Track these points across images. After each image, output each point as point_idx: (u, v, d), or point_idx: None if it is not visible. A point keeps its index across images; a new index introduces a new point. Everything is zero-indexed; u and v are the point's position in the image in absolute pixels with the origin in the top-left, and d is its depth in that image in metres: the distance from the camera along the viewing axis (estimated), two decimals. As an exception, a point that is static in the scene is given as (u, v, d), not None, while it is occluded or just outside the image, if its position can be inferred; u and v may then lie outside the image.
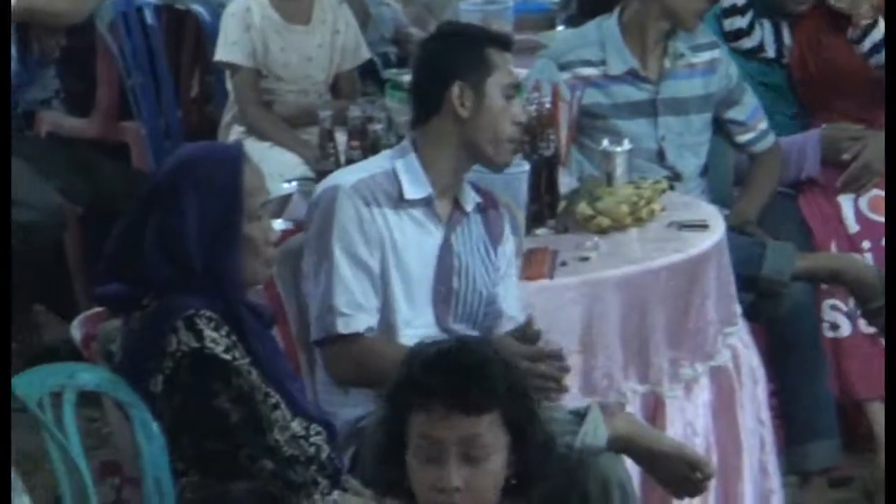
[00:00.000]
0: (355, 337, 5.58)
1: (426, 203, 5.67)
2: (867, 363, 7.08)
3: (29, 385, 5.07)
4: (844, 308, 6.99)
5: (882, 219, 7.14)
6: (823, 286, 6.98)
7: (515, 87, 5.74)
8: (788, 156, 7.27)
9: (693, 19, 6.84)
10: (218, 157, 5.31)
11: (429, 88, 5.69)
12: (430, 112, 5.67)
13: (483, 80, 5.63)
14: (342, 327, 5.57)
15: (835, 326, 7.09)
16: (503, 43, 5.79)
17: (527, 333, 5.65)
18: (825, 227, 7.20)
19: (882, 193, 7.19)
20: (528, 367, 5.36)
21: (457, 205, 5.74)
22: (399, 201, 5.64)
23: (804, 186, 7.34)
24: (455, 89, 5.60)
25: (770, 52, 7.40)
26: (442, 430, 4.00)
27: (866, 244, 7.17)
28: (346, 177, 5.75)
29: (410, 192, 5.65)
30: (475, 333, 5.65)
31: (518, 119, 5.71)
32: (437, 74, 5.66)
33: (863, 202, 7.25)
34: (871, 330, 6.98)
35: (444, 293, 5.71)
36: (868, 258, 7.08)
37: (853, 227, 7.22)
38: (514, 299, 5.83)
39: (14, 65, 7.57)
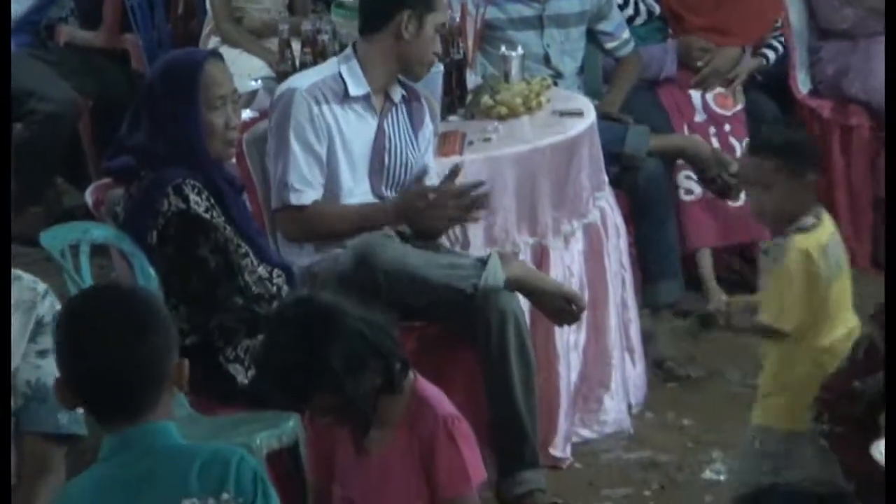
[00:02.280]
0: (304, 207, 5.56)
1: (365, 98, 5.64)
2: (701, 219, 7.11)
3: (53, 239, 5.13)
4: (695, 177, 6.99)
5: (724, 111, 7.24)
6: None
7: (443, 26, 5.72)
8: (652, 59, 7.24)
9: None
10: (185, 61, 5.36)
11: (381, 10, 5.63)
12: (377, 29, 5.62)
13: (425, 15, 5.60)
14: (294, 200, 5.55)
15: (689, 192, 7.09)
16: None
17: (453, 171, 5.62)
18: (679, 116, 7.21)
19: (723, 90, 7.30)
20: (427, 207, 5.50)
21: (388, 98, 5.70)
22: (344, 98, 5.61)
23: (664, 83, 7.31)
24: (403, 16, 5.55)
25: (640, 20, 7.33)
26: None
27: (712, 130, 7.14)
28: (301, 81, 5.71)
29: (353, 90, 5.62)
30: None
31: (437, 50, 5.73)
32: (391, 1, 5.60)
33: (709, 98, 7.27)
34: (710, 195, 6.97)
35: (377, 167, 5.67)
36: (713, 141, 7.08)
37: (701, 116, 7.22)
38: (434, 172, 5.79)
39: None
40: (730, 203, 7.00)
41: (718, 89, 7.25)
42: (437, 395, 4.02)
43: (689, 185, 7.06)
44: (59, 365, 3.35)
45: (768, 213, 4.86)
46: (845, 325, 4.78)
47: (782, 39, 7.48)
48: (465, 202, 5.53)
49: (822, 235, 4.87)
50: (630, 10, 7.30)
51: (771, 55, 7.47)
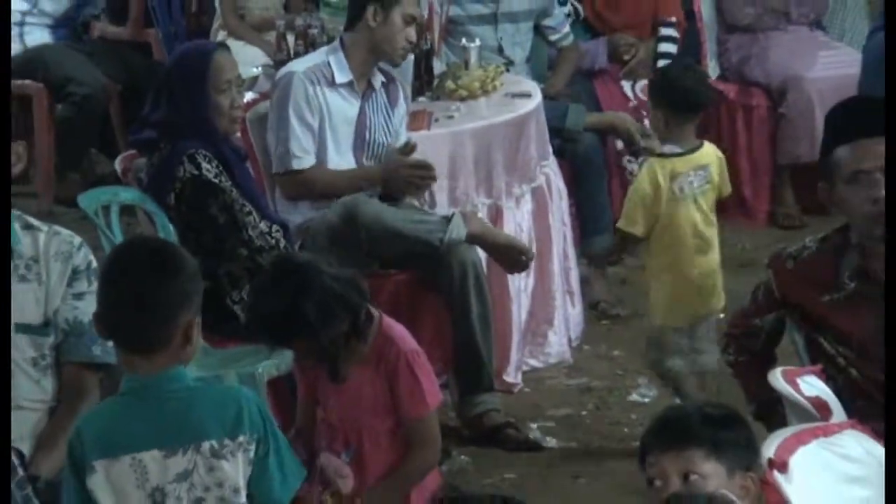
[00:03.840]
0: (302, 171, 5.54)
1: (349, 85, 5.61)
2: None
3: (88, 201, 5.11)
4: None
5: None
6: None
7: (413, 18, 5.64)
8: (587, 53, 7.19)
9: None
10: (198, 50, 5.36)
11: (355, 5, 5.62)
12: (354, 22, 5.61)
13: (391, 7, 5.56)
14: (295, 164, 5.54)
15: (632, 173, 6.93)
16: None
17: (407, 147, 5.61)
18: (612, 101, 7.16)
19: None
20: (407, 173, 5.52)
21: (369, 84, 5.67)
22: (332, 83, 5.58)
23: (599, 74, 7.27)
24: (370, 9, 5.52)
25: (570, 20, 7.30)
26: None
27: (644, 112, 7.03)
28: (298, 65, 5.68)
29: (339, 78, 5.59)
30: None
31: (411, 38, 5.64)
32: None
33: (637, 87, 7.21)
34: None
35: (359, 143, 5.64)
36: (646, 122, 6.91)
37: (633, 102, 7.18)
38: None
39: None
40: None
41: (643, 81, 7.20)
42: (401, 333, 4.01)
43: (632, 167, 6.94)
44: (97, 300, 3.35)
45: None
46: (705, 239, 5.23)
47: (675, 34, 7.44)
48: (423, 171, 5.55)
49: (680, 166, 5.17)
50: (568, 9, 7.27)
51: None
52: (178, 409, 3.23)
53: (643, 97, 7.11)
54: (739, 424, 3.14)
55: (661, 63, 7.15)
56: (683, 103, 5.21)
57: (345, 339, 3.92)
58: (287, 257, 4.24)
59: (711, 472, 3.00)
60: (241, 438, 3.23)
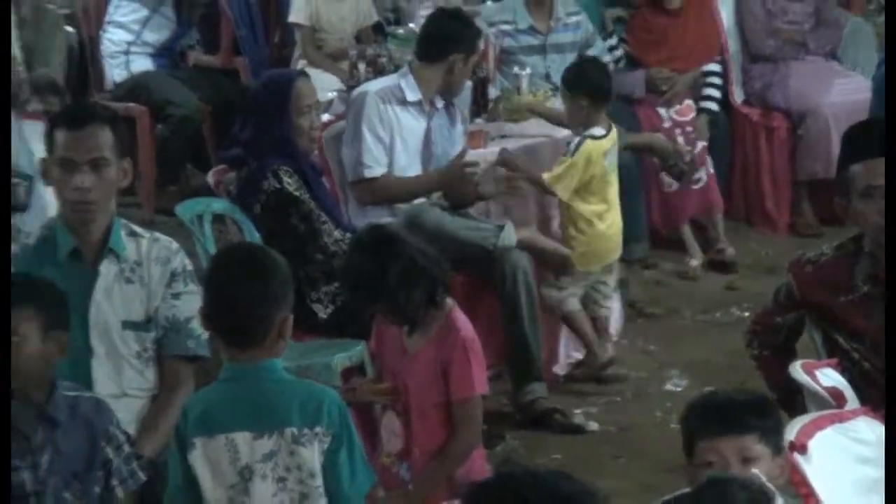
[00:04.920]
0: (374, 179, 5.54)
1: (418, 104, 5.63)
2: (678, 203, 7.08)
3: (185, 210, 5.13)
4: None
5: (684, 118, 7.16)
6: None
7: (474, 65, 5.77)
8: (627, 83, 7.13)
9: None
10: (281, 77, 5.42)
11: (440, 49, 5.61)
12: (434, 60, 5.62)
13: (469, 58, 5.63)
14: (367, 173, 5.54)
15: (669, 185, 7.04)
16: (477, 39, 5.82)
17: (461, 154, 5.62)
18: (649, 123, 7.11)
19: (684, 104, 7.20)
20: (460, 173, 5.53)
21: (432, 104, 5.67)
22: (403, 102, 5.60)
23: (638, 102, 7.22)
24: (455, 56, 5.57)
25: (617, 54, 7.27)
26: None
27: (677, 132, 7.06)
28: (371, 86, 5.73)
29: (409, 97, 5.61)
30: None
31: (468, 79, 5.80)
32: (445, 43, 5.61)
33: (672, 112, 7.15)
34: (675, 185, 6.99)
35: (426, 155, 5.65)
36: (680, 140, 7.01)
37: (667, 124, 7.11)
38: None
39: (173, 24, 7.52)
40: (693, 186, 7.02)
41: (677, 106, 7.16)
42: (465, 323, 3.99)
43: (669, 180, 6.99)
44: (203, 301, 3.37)
45: (572, 124, 5.73)
46: (608, 204, 5.69)
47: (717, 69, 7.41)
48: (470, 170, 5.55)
49: (606, 144, 5.64)
50: (619, 52, 7.23)
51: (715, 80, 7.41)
52: (268, 396, 3.25)
53: (677, 118, 7.08)
54: (776, 411, 3.13)
55: (706, 104, 7.22)
56: (600, 94, 5.64)
57: (422, 307, 3.90)
58: (380, 227, 4.24)
59: (762, 455, 2.99)
60: (317, 429, 3.23)
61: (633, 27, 7.22)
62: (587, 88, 5.64)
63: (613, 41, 7.18)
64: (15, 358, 3.30)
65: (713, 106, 7.26)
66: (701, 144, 7.05)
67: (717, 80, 7.31)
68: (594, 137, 5.62)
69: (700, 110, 7.15)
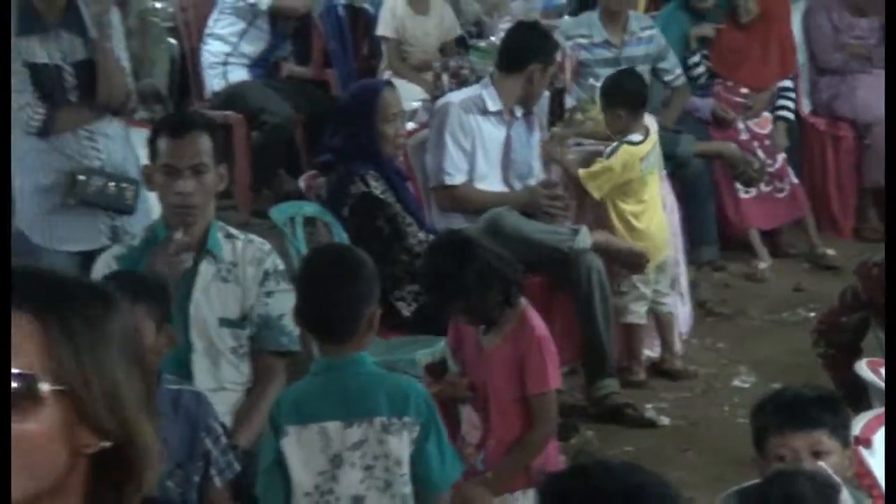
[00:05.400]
0: (455, 186, 5.52)
1: (498, 113, 5.60)
2: (752, 209, 6.97)
3: (278, 213, 5.13)
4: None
5: (761, 130, 7.08)
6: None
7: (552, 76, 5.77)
8: (695, 105, 7.06)
9: (615, 4, 6.68)
10: (368, 87, 5.43)
11: (519, 60, 5.59)
12: (513, 71, 5.58)
13: (547, 68, 5.61)
14: (448, 180, 5.52)
15: (746, 192, 6.96)
16: (555, 51, 5.81)
17: (548, 183, 5.61)
18: (721, 132, 7.02)
19: (762, 116, 7.12)
20: (547, 203, 5.48)
21: (512, 113, 5.65)
22: (484, 111, 5.58)
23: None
24: (534, 67, 5.55)
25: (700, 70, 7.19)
26: None
27: (755, 144, 6.98)
28: (454, 96, 5.72)
29: (491, 107, 5.59)
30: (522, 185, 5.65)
31: (546, 89, 5.80)
32: (524, 54, 5.59)
33: (751, 124, 7.06)
34: (752, 192, 6.92)
35: (506, 162, 5.63)
36: (759, 153, 6.95)
37: (745, 136, 7.03)
38: (539, 167, 5.74)
39: (268, 37, 7.54)
40: (777, 195, 6.97)
41: (755, 119, 7.07)
42: (538, 322, 3.99)
43: (747, 188, 6.94)
44: (297, 297, 3.43)
45: (611, 131, 5.71)
46: (644, 206, 5.64)
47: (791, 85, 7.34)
48: (563, 202, 5.57)
49: (643, 149, 5.62)
50: (701, 69, 7.16)
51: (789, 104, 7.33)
52: (358, 388, 3.28)
53: (756, 130, 7.03)
54: (844, 407, 3.10)
55: (783, 113, 7.14)
56: (635, 103, 5.67)
57: (497, 307, 3.90)
58: (456, 232, 4.26)
59: (832, 449, 2.97)
60: (406, 419, 3.25)
61: (715, 43, 7.17)
62: (623, 99, 5.69)
63: (696, 58, 7.12)
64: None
65: (790, 115, 7.20)
66: (781, 156, 7.01)
67: (791, 94, 7.24)
68: (632, 143, 5.63)
69: (777, 118, 7.10)
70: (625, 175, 5.59)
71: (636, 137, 5.66)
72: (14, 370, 1.53)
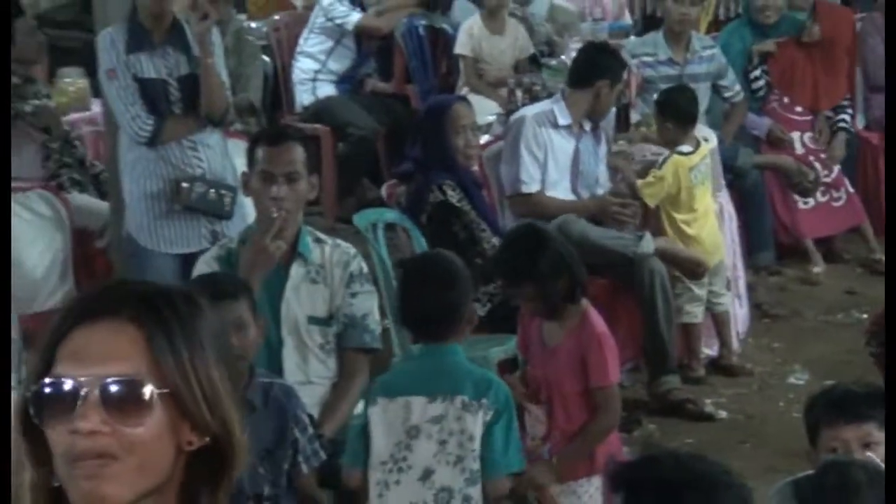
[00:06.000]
0: (530, 194, 5.52)
1: (568, 126, 5.59)
2: (811, 219, 6.88)
3: (361, 219, 5.16)
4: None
5: (817, 146, 7.01)
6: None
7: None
8: (751, 123, 6.98)
9: (678, 25, 6.64)
10: (442, 102, 5.48)
11: (588, 76, 5.57)
12: (583, 87, 5.57)
13: (614, 84, 5.59)
14: (524, 189, 5.53)
15: (805, 202, 6.89)
16: (622, 69, 5.79)
17: (618, 193, 5.62)
18: (781, 150, 6.97)
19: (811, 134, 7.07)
20: (616, 210, 5.47)
21: (581, 127, 5.63)
22: (555, 125, 5.57)
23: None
24: (602, 83, 5.53)
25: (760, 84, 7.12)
26: None
27: (811, 158, 6.93)
28: (529, 110, 5.72)
29: (561, 121, 5.58)
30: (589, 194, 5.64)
31: (612, 105, 5.80)
32: (593, 71, 5.57)
33: (805, 138, 6.99)
34: (809, 203, 6.84)
35: (574, 172, 5.62)
36: (817, 167, 6.90)
37: (802, 150, 6.96)
38: (605, 177, 5.73)
39: (354, 55, 7.57)
40: (834, 204, 6.91)
41: (809, 133, 7.01)
42: (599, 320, 4.00)
43: (804, 199, 6.87)
44: (398, 300, 3.58)
45: (662, 142, 5.82)
46: (695, 214, 5.64)
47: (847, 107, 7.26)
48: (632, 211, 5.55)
49: (693, 159, 5.67)
50: (761, 83, 7.11)
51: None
52: (447, 370, 3.39)
53: (811, 146, 6.97)
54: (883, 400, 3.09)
55: (842, 125, 7.06)
56: (684, 119, 5.74)
57: (563, 298, 3.90)
58: (532, 223, 4.32)
59: (881, 441, 2.96)
60: (484, 401, 3.33)
61: (776, 61, 7.12)
62: (672, 113, 5.79)
63: (758, 72, 7.06)
64: (243, 345, 3.40)
65: (849, 126, 7.13)
66: (837, 168, 6.94)
67: (848, 108, 7.17)
68: (681, 153, 5.68)
69: (837, 130, 7.04)
70: (676, 184, 5.62)
71: (685, 148, 5.71)
72: (122, 376, 1.54)
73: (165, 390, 1.55)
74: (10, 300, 2.60)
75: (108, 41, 4.77)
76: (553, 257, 3.89)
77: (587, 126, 5.66)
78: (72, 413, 1.52)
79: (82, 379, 1.53)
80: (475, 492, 3.33)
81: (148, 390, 1.54)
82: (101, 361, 1.54)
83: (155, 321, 1.57)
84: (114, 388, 1.53)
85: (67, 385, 1.53)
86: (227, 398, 1.59)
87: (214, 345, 1.60)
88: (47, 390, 1.54)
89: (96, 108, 6.10)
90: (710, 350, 5.87)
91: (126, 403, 1.53)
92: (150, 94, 4.77)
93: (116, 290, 1.61)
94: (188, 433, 1.57)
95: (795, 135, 7.02)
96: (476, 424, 3.30)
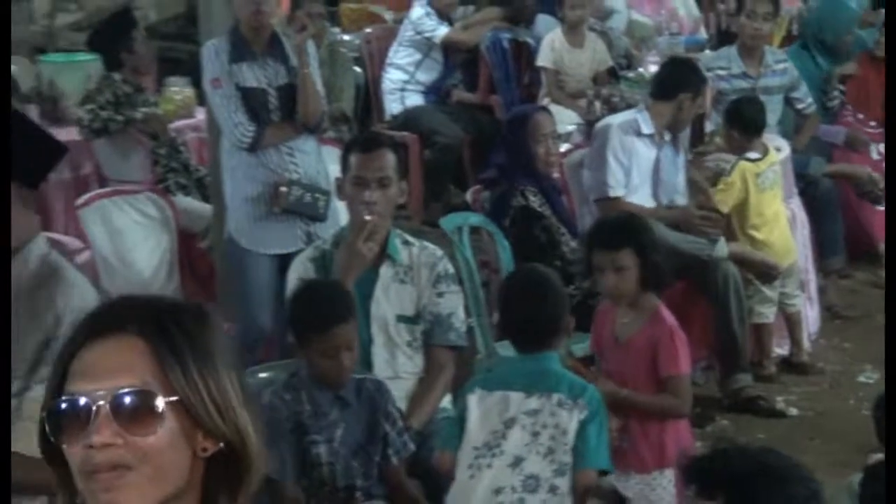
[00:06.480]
0: (616, 198, 5.46)
1: (651, 136, 5.54)
2: (879, 222, 6.73)
3: (447, 223, 5.17)
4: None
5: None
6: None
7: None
8: (826, 133, 6.88)
9: (751, 40, 6.53)
10: (524, 111, 5.50)
11: (671, 89, 5.53)
12: (665, 99, 5.52)
13: (695, 98, 5.56)
14: (611, 193, 5.47)
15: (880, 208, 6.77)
16: (703, 84, 5.75)
17: (702, 206, 5.59)
18: (849, 156, 6.88)
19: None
20: (700, 222, 5.45)
21: (662, 137, 5.58)
22: (638, 133, 5.52)
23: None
24: (684, 96, 5.49)
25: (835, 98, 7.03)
26: None
27: (884, 164, 6.81)
28: (614, 119, 5.67)
29: (644, 130, 5.52)
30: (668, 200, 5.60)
31: (692, 117, 5.76)
32: (676, 85, 5.54)
33: (880, 147, 6.85)
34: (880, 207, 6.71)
35: (654, 179, 5.57)
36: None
37: (877, 157, 6.86)
38: (683, 185, 5.69)
39: (441, 66, 7.59)
40: None
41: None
42: (670, 316, 3.98)
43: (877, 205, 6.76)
44: (500, 312, 3.67)
45: (728, 149, 5.79)
46: (764, 219, 5.58)
47: None
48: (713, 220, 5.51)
49: (760, 166, 5.62)
50: (836, 101, 7.01)
51: None
52: (545, 371, 3.43)
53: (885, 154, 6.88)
54: None
55: None
56: (748, 128, 5.71)
57: (644, 286, 3.91)
58: (632, 215, 4.40)
59: None
60: (580, 401, 3.37)
61: (853, 80, 7.02)
62: (738, 123, 5.77)
63: (835, 93, 6.98)
64: (350, 362, 3.45)
65: None
66: None
67: None
68: (748, 160, 5.64)
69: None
70: (744, 189, 5.58)
71: (753, 155, 5.66)
72: (131, 388, 1.53)
73: (174, 399, 1.54)
74: (10, 300, 2.60)
75: (213, 52, 4.82)
76: (651, 232, 4.01)
77: (667, 136, 5.62)
78: (86, 428, 1.52)
79: (93, 394, 1.52)
80: (562, 482, 3.34)
81: (156, 400, 1.53)
82: (110, 375, 1.53)
83: (160, 333, 1.56)
84: (124, 400, 1.52)
85: (79, 401, 1.53)
86: (239, 404, 1.58)
87: (223, 355, 1.59)
88: (62, 407, 1.53)
89: (200, 115, 6.16)
90: (781, 349, 5.81)
91: (137, 414, 1.52)
92: (251, 102, 4.81)
93: (122, 306, 1.60)
94: (202, 440, 1.56)
95: (872, 145, 6.91)
96: (571, 421, 3.34)
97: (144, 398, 1.53)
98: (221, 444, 1.56)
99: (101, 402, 1.52)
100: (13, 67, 6.11)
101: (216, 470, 1.58)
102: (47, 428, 1.55)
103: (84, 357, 1.55)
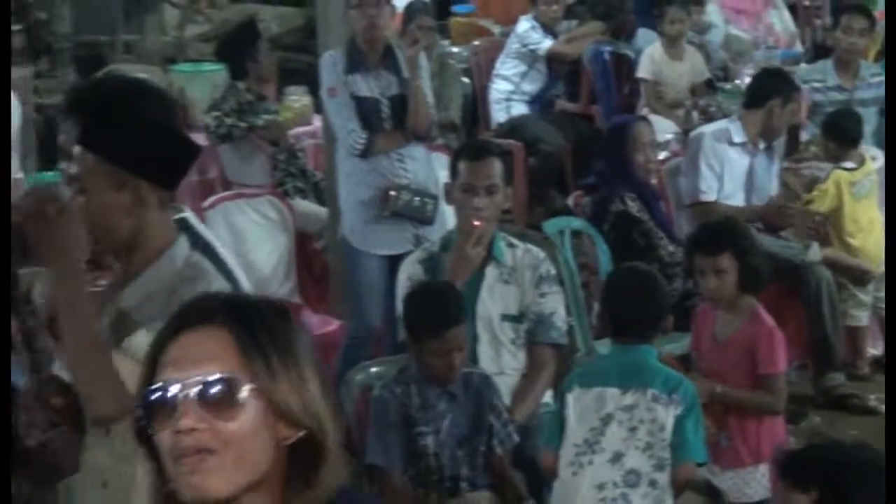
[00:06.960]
0: (709, 202, 5.42)
1: (743, 144, 5.48)
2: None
3: (550, 226, 5.15)
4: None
5: None
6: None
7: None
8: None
9: (847, 54, 6.42)
10: (624, 121, 5.48)
11: (761, 97, 5.47)
12: (756, 107, 5.47)
13: (786, 103, 5.47)
14: (703, 197, 5.44)
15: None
16: (793, 90, 5.64)
17: (780, 197, 5.52)
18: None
19: None
20: (782, 212, 5.41)
21: (756, 145, 5.51)
22: (731, 142, 5.47)
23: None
24: (773, 102, 5.42)
25: None
26: None
27: None
28: (708, 128, 5.65)
29: (736, 139, 5.48)
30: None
31: (785, 125, 5.67)
32: (765, 91, 5.47)
33: None
34: None
35: (748, 187, 5.51)
36: None
37: None
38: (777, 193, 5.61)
39: (545, 77, 7.55)
40: None
41: None
42: (767, 317, 3.93)
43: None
44: (603, 305, 3.69)
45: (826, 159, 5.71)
46: (859, 226, 5.50)
47: None
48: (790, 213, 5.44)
49: (855, 175, 5.55)
50: None
51: None
52: (640, 366, 3.39)
53: None
54: None
55: None
56: (843, 140, 5.65)
57: (741, 287, 3.87)
58: (733, 220, 4.38)
59: None
60: (674, 396, 3.33)
61: None
62: (834, 134, 5.70)
63: None
64: (460, 361, 3.47)
65: None
66: None
67: None
68: (844, 168, 5.58)
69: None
70: (838, 196, 5.52)
71: (849, 164, 5.60)
72: (218, 375, 1.55)
73: (256, 387, 1.55)
74: (10, 300, 2.58)
75: (330, 63, 4.86)
76: (750, 237, 3.98)
77: (761, 145, 5.54)
78: (174, 414, 1.54)
79: (182, 382, 1.55)
80: (662, 477, 3.31)
81: (240, 387, 1.55)
82: (196, 364, 1.55)
83: (244, 326, 1.57)
84: (209, 388, 1.54)
85: (169, 390, 1.55)
86: (318, 395, 1.58)
87: (302, 348, 1.60)
88: (153, 397, 1.56)
89: (317, 122, 6.22)
90: (876, 350, 5.69)
91: (221, 401, 1.54)
92: (365, 111, 4.84)
93: (208, 301, 1.63)
94: (283, 429, 1.57)
95: None
96: (668, 416, 3.31)
97: (229, 386, 1.54)
98: (301, 433, 1.57)
99: (188, 390, 1.54)
100: (145, 76, 6.22)
101: (297, 458, 1.58)
102: (142, 418, 1.57)
103: (172, 349, 1.58)
